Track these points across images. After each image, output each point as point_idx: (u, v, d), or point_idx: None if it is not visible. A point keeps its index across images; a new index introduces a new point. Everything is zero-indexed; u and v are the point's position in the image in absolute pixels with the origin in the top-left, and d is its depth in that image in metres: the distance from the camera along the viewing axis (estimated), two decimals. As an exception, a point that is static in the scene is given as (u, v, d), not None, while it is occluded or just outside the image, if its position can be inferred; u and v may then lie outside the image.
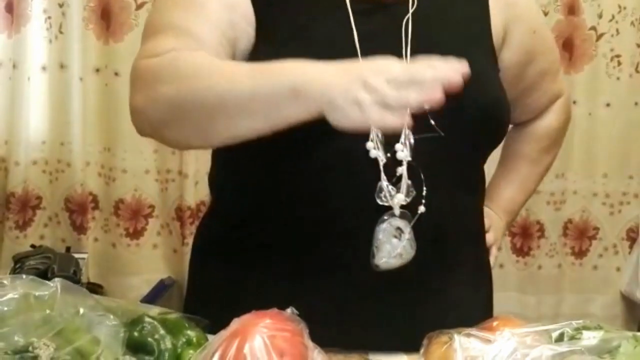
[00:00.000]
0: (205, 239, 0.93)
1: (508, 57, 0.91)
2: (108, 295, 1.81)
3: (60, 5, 1.84)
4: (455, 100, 0.77)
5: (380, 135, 0.78)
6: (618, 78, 2.01)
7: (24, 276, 0.68)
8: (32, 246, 1.81)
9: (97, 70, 1.86)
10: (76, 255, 1.79)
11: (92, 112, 1.87)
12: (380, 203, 0.78)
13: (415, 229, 0.79)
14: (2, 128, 1.85)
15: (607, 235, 2.08)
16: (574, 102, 2.00)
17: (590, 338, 0.69)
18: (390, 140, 0.78)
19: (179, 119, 0.72)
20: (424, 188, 0.79)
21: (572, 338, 0.70)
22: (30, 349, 0.60)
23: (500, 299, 2.05)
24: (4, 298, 0.64)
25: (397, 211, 0.78)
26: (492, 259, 1.01)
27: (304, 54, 0.71)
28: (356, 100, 0.63)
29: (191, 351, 0.70)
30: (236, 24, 0.79)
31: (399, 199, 0.78)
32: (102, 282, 1.89)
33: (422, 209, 0.79)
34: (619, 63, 2.00)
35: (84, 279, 1.78)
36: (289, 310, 0.67)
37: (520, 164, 1.05)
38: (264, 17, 0.81)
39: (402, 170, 0.78)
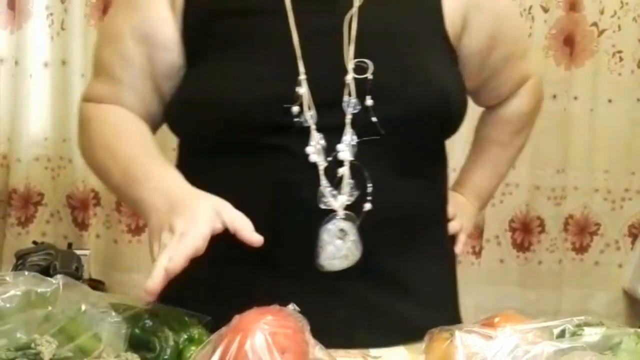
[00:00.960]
0: None
1: (469, 45, 0.89)
2: (110, 292, 1.81)
3: (62, 2, 1.84)
4: (399, 96, 0.80)
5: (322, 140, 0.79)
6: (620, 74, 2.00)
7: (26, 273, 0.68)
8: (34, 243, 1.82)
9: (99, 66, 1.86)
10: (78, 252, 1.79)
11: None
12: (323, 207, 0.78)
13: (365, 226, 0.79)
14: (4, 124, 1.86)
15: (608, 231, 2.08)
16: (575, 98, 2.00)
17: (592, 334, 0.69)
18: (331, 140, 0.79)
19: (84, 150, 0.91)
20: (369, 186, 0.79)
21: (573, 334, 0.70)
22: (32, 345, 0.60)
23: (501, 294, 2.06)
24: (6, 295, 0.64)
25: (340, 213, 0.79)
26: (459, 246, 0.97)
27: (243, 60, 0.79)
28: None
29: (193, 348, 0.70)
30: (151, 56, 0.85)
31: (341, 201, 0.79)
32: (104, 279, 1.89)
33: (368, 206, 0.79)
34: (621, 59, 2.00)
35: (85, 276, 1.78)
36: (290, 306, 0.67)
37: (491, 148, 1.03)
38: (194, 29, 0.83)
39: (344, 171, 0.79)
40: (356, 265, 0.80)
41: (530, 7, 1.95)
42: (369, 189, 0.79)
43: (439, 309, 0.90)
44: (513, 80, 0.98)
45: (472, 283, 1.99)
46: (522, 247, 2.07)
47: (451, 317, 0.94)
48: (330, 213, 0.79)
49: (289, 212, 0.80)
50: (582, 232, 2.07)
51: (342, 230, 0.79)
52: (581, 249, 2.08)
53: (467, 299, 2.01)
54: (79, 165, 1.89)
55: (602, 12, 1.97)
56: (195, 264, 0.77)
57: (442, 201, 0.93)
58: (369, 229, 0.80)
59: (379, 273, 0.84)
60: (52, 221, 1.92)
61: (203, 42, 0.83)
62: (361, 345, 0.80)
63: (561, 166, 2.02)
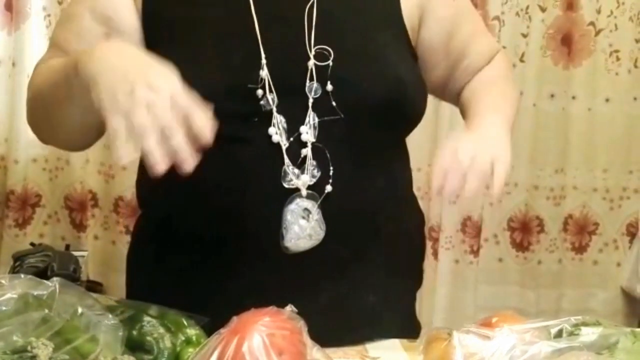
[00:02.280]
0: (139, 238, 0.96)
1: (429, 36, 0.92)
2: (108, 293, 1.81)
3: (60, 3, 1.84)
4: (357, 83, 0.82)
5: (283, 121, 0.80)
6: (617, 73, 2.00)
7: (22, 276, 0.68)
8: (32, 244, 1.81)
9: (96, 67, 1.85)
10: (76, 253, 1.79)
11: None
12: (287, 186, 0.80)
13: (325, 209, 0.81)
14: (2, 126, 1.85)
15: (607, 231, 2.08)
16: (573, 98, 2.00)
17: (589, 334, 0.69)
18: (295, 124, 0.80)
19: (34, 117, 0.87)
20: (331, 168, 0.81)
21: (570, 334, 0.70)
22: (28, 348, 0.60)
23: (500, 293, 2.06)
24: (3, 298, 0.64)
25: (304, 192, 0.80)
26: (496, 189, 0.79)
27: (206, 47, 0.80)
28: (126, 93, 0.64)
29: (190, 350, 0.70)
30: (109, 36, 0.84)
31: (304, 180, 0.80)
32: (102, 280, 1.89)
33: (329, 188, 0.81)
34: (618, 58, 2.00)
35: (83, 277, 1.78)
36: (287, 308, 0.67)
37: (483, 94, 0.93)
38: (155, 16, 0.84)
39: (307, 151, 0.80)
40: (318, 250, 0.81)
41: (528, 7, 1.94)
42: (331, 171, 0.81)
43: (395, 309, 0.91)
44: (484, 54, 0.99)
45: (470, 282, 1.99)
46: (521, 246, 2.07)
47: (407, 315, 0.95)
48: (293, 193, 0.80)
49: (254, 193, 0.81)
50: (581, 232, 2.07)
51: (305, 209, 0.80)
52: (580, 249, 2.08)
53: (466, 298, 2.02)
54: (76, 167, 1.88)
55: (599, 12, 1.97)
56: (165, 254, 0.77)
57: (402, 199, 0.93)
58: (331, 211, 0.81)
59: (339, 260, 0.84)
60: (50, 222, 1.92)
61: (164, 30, 0.85)
62: (331, 338, 0.79)
63: (560, 166, 2.02)
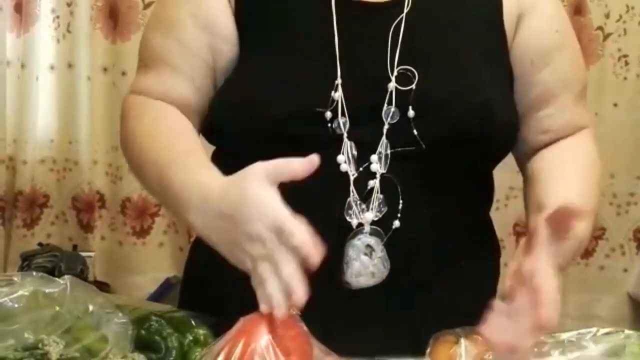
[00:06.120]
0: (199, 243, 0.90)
1: (518, 53, 0.81)
2: (114, 294, 1.81)
3: (69, 5, 1.85)
4: (443, 112, 0.75)
5: (353, 148, 0.74)
6: (625, 78, 2.00)
7: (34, 273, 0.68)
8: (39, 244, 1.82)
9: (105, 69, 1.86)
10: (83, 254, 1.79)
11: (99, 111, 1.87)
12: (349, 220, 0.74)
13: (391, 246, 0.75)
14: (10, 127, 1.86)
15: (614, 236, 2.07)
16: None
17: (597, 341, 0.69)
18: (366, 152, 0.74)
19: (129, 162, 0.82)
20: (400, 202, 0.75)
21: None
22: (39, 346, 0.61)
23: (506, 298, 2.05)
24: (14, 295, 0.65)
25: (367, 228, 0.74)
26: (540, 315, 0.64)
27: (283, 64, 0.74)
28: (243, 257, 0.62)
29: (198, 349, 0.70)
30: (214, 47, 0.79)
31: (368, 217, 0.74)
32: (109, 281, 1.89)
33: (397, 223, 0.75)
34: (627, 63, 1.99)
35: (90, 278, 1.78)
36: (291, 311, 0.67)
37: (556, 168, 0.82)
38: (247, 31, 0.79)
39: (374, 183, 0.75)
40: (381, 285, 0.76)
41: (536, 11, 1.95)
42: (400, 205, 0.75)
43: None
44: (566, 118, 0.86)
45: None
46: (526, 251, 2.06)
47: None
48: (357, 228, 0.75)
49: (315, 223, 0.73)
50: (588, 237, 2.06)
51: (368, 246, 0.75)
52: (586, 254, 2.07)
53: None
54: (84, 168, 1.89)
55: (607, 16, 1.97)
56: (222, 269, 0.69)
57: (481, 233, 0.87)
58: (397, 247, 0.75)
59: (404, 296, 0.78)
60: (58, 223, 1.93)
61: (246, 42, 0.79)
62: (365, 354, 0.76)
63: (566, 170, 2.02)
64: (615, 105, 2.00)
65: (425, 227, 0.77)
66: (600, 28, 1.97)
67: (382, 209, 0.75)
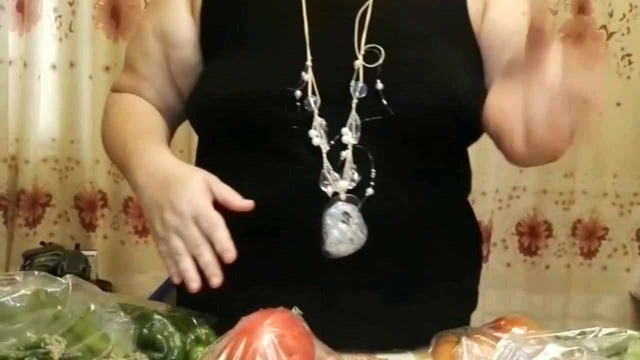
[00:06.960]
0: None
1: (488, 38, 0.84)
2: (116, 293, 1.81)
3: (70, 4, 1.85)
4: (409, 83, 0.79)
5: (324, 124, 0.79)
6: (629, 77, 1.99)
7: (35, 272, 0.68)
8: (42, 243, 1.82)
9: (107, 68, 1.86)
10: (85, 253, 1.80)
11: (101, 110, 1.86)
12: (324, 190, 0.78)
13: (367, 213, 0.78)
14: (13, 126, 1.86)
15: (616, 236, 2.07)
16: (584, 102, 1.98)
17: (598, 339, 0.69)
18: (337, 126, 0.78)
19: (104, 141, 0.94)
20: (373, 171, 0.78)
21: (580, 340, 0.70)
22: (41, 345, 0.61)
23: (508, 298, 2.05)
24: (16, 294, 0.65)
25: (342, 196, 0.78)
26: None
27: (254, 54, 0.81)
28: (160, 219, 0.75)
29: (200, 348, 0.70)
30: (167, 53, 0.89)
31: (342, 185, 0.78)
32: (111, 280, 1.89)
33: (370, 191, 0.78)
34: (630, 62, 1.99)
35: (92, 277, 1.78)
36: (293, 310, 0.67)
37: None
38: (212, 30, 0.86)
39: (346, 154, 0.78)
40: (359, 256, 0.78)
41: (538, 10, 1.94)
42: (372, 174, 0.78)
43: (449, 316, 0.86)
44: None
45: (479, 287, 1.98)
46: (529, 251, 2.06)
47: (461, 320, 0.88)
48: (333, 197, 0.78)
49: (293, 196, 0.79)
50: (590, 237, 2.06)
51: (345, 213, 0.78)
52: (589, 254, 2.07)
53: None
54: (86, 167, 1.89)
55: (611, 15, 1.96)
56: None
57: (460, 217, 0.89)
58: (372, 215, 0.78)
59: (381, 268, 0.81)
60: (60, 222, 1.93)
61: (219, 41, 0.85)
62: (364, 347, 0.79)
63: (569, 170, 2.01)
64: (618, 104, 2.00)
65: (401, 197, 0.81)
66: (603, 27, 1.97)
67: (355, 179, 0.78)
